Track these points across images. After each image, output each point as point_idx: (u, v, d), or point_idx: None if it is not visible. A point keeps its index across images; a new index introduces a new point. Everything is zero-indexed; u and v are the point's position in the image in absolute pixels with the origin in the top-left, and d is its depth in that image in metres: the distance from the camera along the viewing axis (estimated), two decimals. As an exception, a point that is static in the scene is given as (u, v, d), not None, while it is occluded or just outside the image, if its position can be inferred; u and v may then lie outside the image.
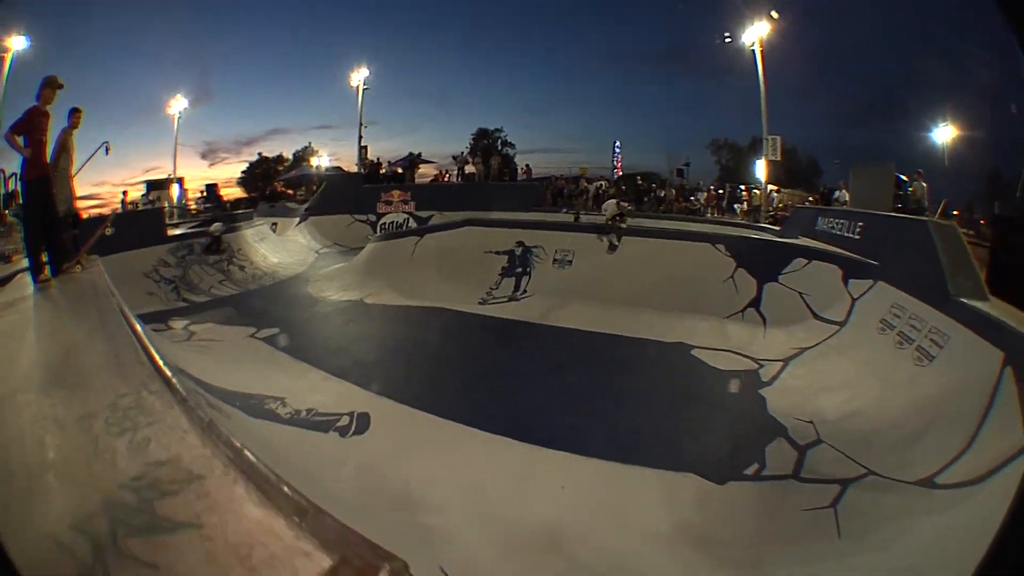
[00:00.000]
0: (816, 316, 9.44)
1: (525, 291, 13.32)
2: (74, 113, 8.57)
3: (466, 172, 28.77)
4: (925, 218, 10.15)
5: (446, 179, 29.71)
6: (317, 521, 2.03)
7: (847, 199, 16.95)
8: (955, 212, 17.04)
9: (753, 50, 23.68)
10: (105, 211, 26.63)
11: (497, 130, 55.09)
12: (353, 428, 7.06)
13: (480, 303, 12.95)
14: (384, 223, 24.55)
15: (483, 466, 6.01)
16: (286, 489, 2.22)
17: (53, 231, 7.95)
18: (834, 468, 5.39)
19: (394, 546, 4.19)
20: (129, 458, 2.42)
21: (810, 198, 23.41)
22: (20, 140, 7.39)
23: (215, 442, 2.61)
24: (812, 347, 8.61)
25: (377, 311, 12.75)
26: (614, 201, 10.70)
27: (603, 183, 28.82)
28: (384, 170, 28.71)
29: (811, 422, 6.43)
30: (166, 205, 26.33)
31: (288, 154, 57.86)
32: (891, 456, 5.29)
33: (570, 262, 13.54)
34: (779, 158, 23.46)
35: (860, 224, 10.93)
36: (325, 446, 6.55)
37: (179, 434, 2.71)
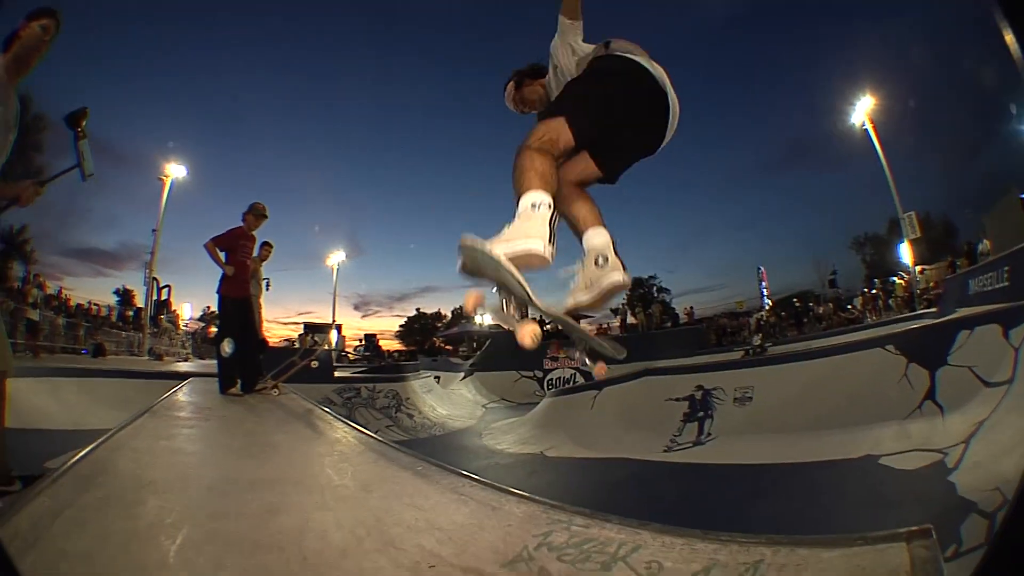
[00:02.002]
0: (986, 384, 9.18)
1: (709, 434, 13.03)
2: (265, 246, 9.07)
3: (628, 323, 29.65)
4: None
5: (607, 332, 30.68)
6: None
7: (988, 247, 16.15)
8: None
9: (865, 128, 23.39)
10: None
11: (651, 277, 56.03)
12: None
13: (665, 451, 12.84)
14: (551, 379, 25.54)
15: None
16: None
17: (250, 351, 8.19)
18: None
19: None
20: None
21: (959, 263, 22.00)
22: (222, 255, 7.62)
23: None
24: (988, 417, 8.43)
25: (561, 463, 13.00)
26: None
27: (763, 313, 28.62)
28: (548, 327, 29.54)
29: (997, 488, 6.39)
30: (326, 347, 28.58)
31: (446, 310, 61.56)
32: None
33: (750, 398, 13.20)
34: (919, 234, 22.60)
35: (1006, 268, 10.69)
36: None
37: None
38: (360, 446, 4.82)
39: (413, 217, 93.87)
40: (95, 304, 32.01)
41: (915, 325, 14.24)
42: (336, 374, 19.25)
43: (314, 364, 11.46)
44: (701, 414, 13.81)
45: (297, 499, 2.83)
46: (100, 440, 3.44)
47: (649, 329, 28.54)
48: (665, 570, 1.81)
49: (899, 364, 11.32)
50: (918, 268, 24.14)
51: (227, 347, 7.78)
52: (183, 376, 10.46)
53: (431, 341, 45.22)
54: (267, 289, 10.05)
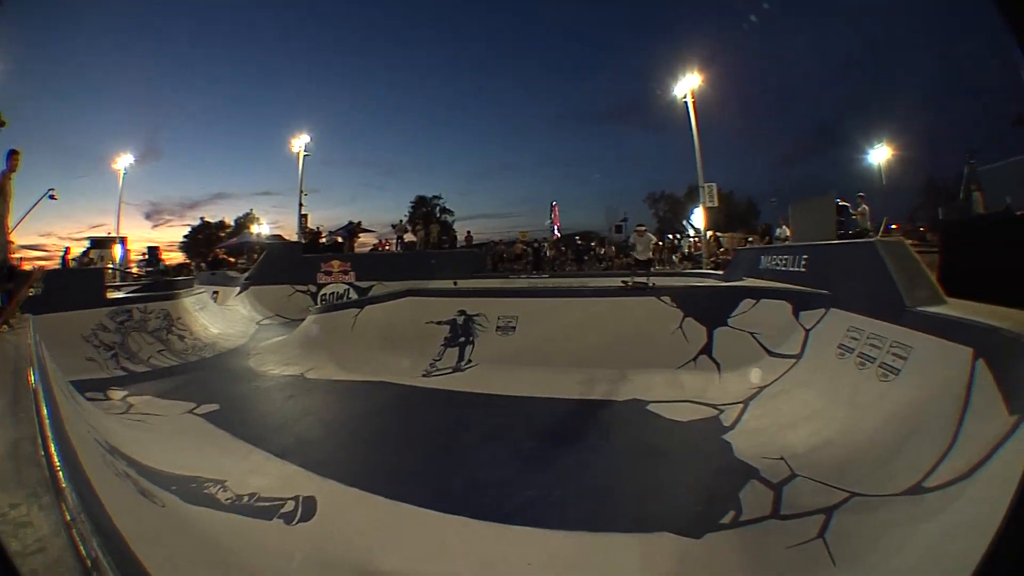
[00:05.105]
0: (770, 353, 9.42)
1: (470, 360, 12.92)
2: (12, 155, 7.79)
3: (406, 240, 28.82)
4: (872, 239, 10.44)
5: (386, 248, 29.62)
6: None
7: (788, 234, 17.19)
8: (894, 227, 18.40)
9: (686, 102, 24.84)
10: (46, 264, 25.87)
11: (435, 197, 56.52)
12: (299, 515, 6.33)
13: (424, 375, 12.41)
14: (324, 294, 24.25)
15: (446, 552, 5.49)
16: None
17: None
18: (815, 499, 5.17)
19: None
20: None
21: (749, 238, 23.90)
22: None
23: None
24: (770, 384, 8.53)
25: (319, 386, 12.09)
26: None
27: (544, 244, 29.11)
28: (324, 239, 28.40)
29: (781, 458, 6.23)
30: (109, 265, 25.51)
31: (230, 220, 57.09)
32: (872, 474, 5.16)
33: (513, 328, 13.23)
34: (716, 204, 24.33)
35: (805, 257, 11.13)
36: (270, 536, 5.88)
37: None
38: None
39: (221, 114, 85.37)
40: None
41: (697, 283, 14.79)
42: (111, 295, 16.63)
43: (34, 290, 10.26)
44: (462, 339, 13.62)
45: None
46: None
47: (426, 248, 27.70)
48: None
49: (675, 316, 11.65)
50: (710, 232, 25.64)
51: None
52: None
53: (213, 252, 41.32)
54: (52, 199, 9.68)
